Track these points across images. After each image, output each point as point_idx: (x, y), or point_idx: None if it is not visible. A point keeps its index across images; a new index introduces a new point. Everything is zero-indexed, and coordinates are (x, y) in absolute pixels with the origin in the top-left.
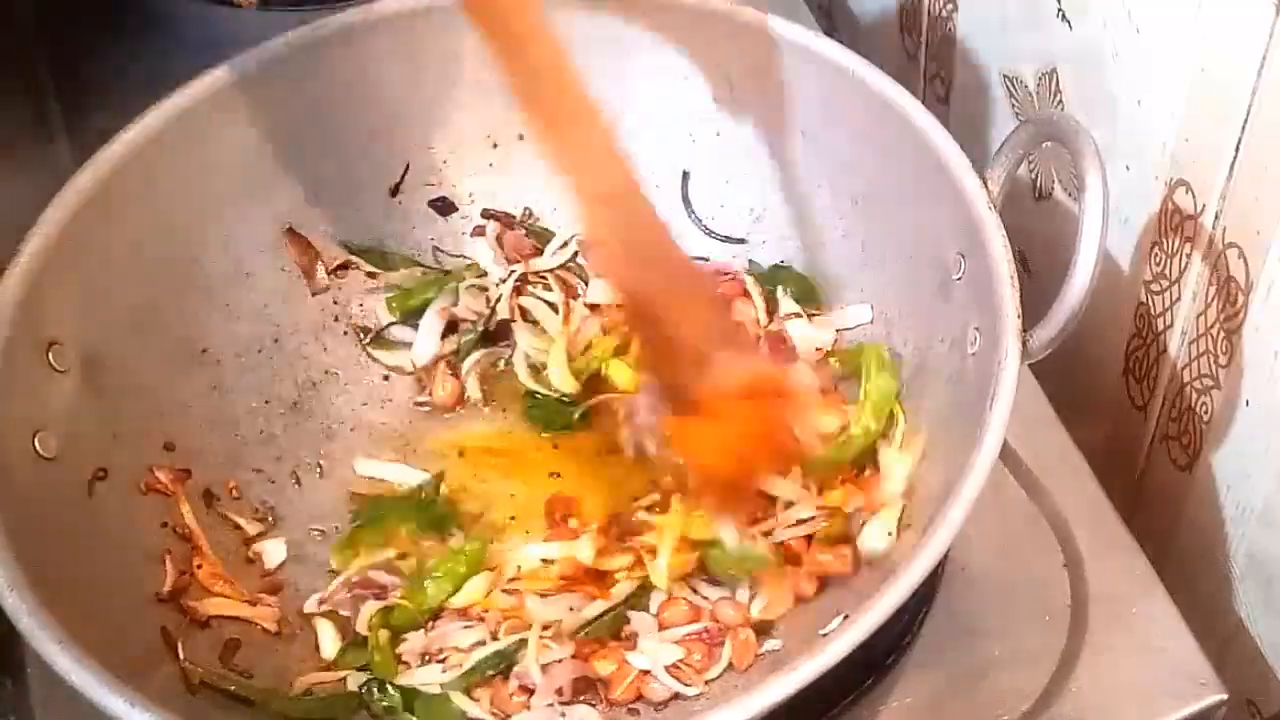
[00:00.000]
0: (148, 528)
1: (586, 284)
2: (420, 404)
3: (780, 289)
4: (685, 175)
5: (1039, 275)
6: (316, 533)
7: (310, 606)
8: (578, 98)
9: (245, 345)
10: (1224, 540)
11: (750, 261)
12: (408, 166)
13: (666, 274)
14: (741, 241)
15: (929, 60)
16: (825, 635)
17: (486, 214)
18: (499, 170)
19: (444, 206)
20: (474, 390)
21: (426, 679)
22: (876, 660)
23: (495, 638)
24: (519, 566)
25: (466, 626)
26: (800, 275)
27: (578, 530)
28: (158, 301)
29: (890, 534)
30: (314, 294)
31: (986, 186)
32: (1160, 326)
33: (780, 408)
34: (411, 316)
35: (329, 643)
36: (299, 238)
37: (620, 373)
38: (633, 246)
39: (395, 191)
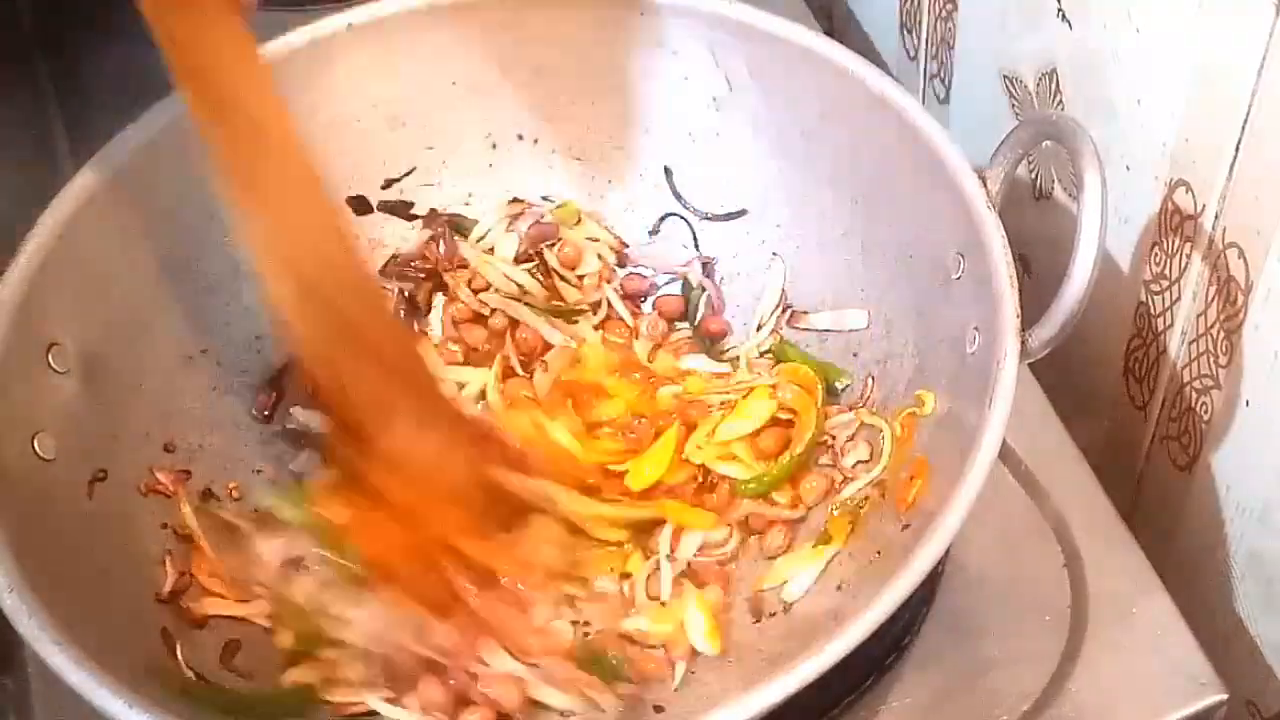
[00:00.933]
0: (148, 528)
1: None
2: None
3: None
4: (669, 171)
5: (1038, 275)
6: None
7: None
8: (298, 165)
9: (245, 345)
10: (1224, 540)
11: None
12: (413, 169)
13: (385, 364)
14: (740, 215)
15: (929, 60)
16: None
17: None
18: (499, 170)
19: (359, 206)
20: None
21: None
22: (876, 660)
23: None
24: None
25: None
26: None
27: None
28: (158, 301)
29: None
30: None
31: (986, 186)
32: (1160, 326)
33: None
34: None
35: None
36: None
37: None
38: (347, 330)
39: (396, 192)
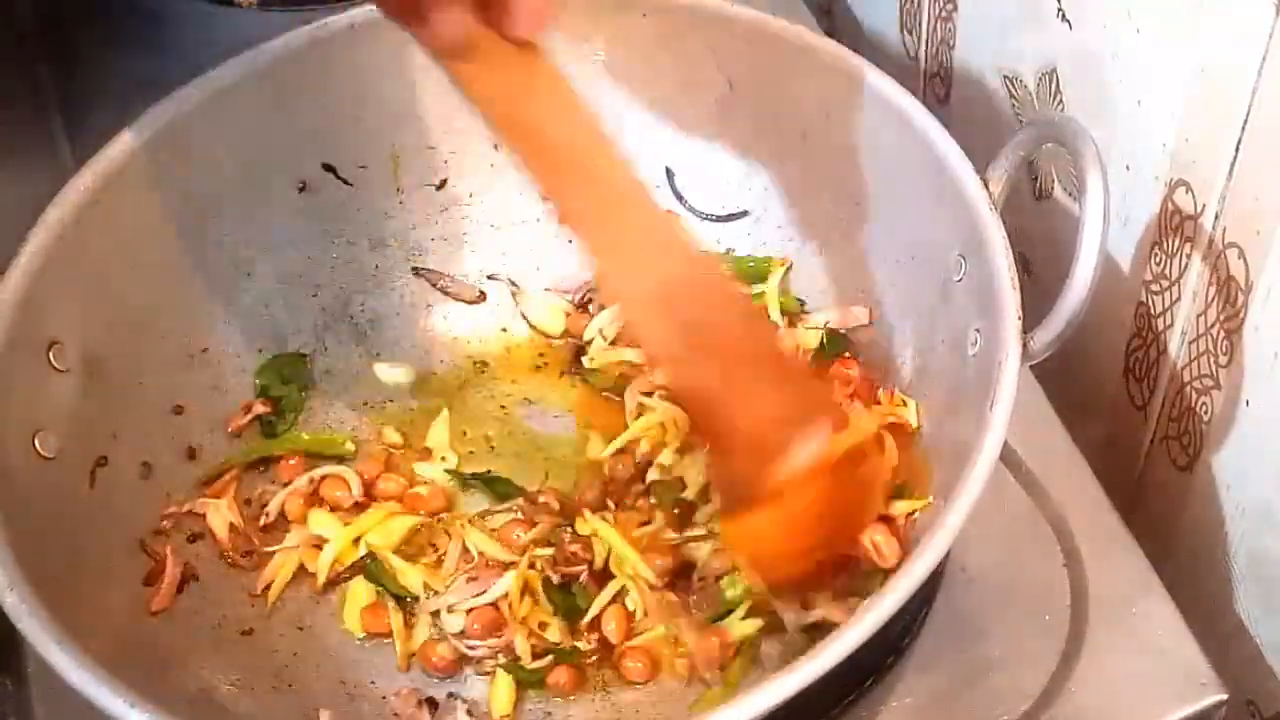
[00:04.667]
0: (149, 526)
1: None
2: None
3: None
4: (670, 172)
5: (1039, 276)
6: None
7: None
8: (618, 174)
9: (245, 345)
10: (1224, 540)
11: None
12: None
13: (740, 355)
14: (741, 216)
15: (929, 60)
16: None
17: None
18: (499, 170)
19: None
20: None
21: None
22: (876, 660)
23: None
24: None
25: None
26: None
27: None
28: (158, 301)
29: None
30: None
31: (987, 188)
32: (1160, 326)
33: (856, 476)
34: None
35: None
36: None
37: None
38: (698, 337)
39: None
